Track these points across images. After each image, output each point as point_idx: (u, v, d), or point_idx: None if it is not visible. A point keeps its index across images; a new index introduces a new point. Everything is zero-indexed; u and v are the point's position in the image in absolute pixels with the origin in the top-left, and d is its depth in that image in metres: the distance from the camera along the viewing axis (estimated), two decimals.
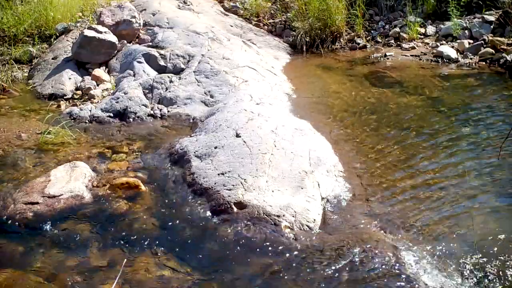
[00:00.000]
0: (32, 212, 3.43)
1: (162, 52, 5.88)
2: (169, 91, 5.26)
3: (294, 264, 2.96)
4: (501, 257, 2.95)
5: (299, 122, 4.48)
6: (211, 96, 5.13)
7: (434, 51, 6.30)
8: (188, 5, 7.43)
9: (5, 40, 6.47)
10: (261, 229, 3.20)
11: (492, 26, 6.43)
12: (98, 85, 5.63)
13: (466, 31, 6.49)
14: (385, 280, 2.81)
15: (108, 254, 3.10)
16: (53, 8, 6.77)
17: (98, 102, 5.28)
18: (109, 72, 5.88)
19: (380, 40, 6.89)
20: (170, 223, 3.36)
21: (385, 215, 3.41)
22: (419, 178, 3.82)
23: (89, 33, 5.87)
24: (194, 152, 4.04)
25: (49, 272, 2.97)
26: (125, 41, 6.24)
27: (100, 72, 5.79)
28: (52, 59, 6.12)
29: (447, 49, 6.22)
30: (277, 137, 4.09)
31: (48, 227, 3.33)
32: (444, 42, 6.52)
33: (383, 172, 3.91)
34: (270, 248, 3.07)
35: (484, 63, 5.91)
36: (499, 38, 6.12)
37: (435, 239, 3.17)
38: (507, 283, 2.78)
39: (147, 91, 5.30)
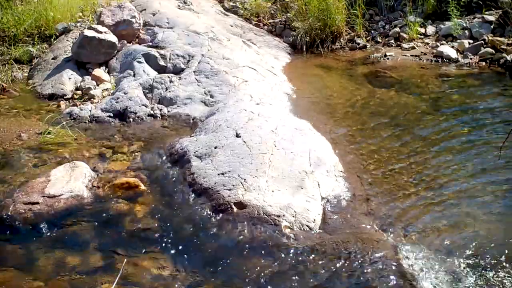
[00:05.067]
0: (32, 212, 3.42)
1: (162, 52, 5.88)
2: (169, 91, 5.25)
3: (294, 264, 2.96)
4: (502, 257, 2.96)
5: (299, 122, 4.48)
6: (211, 96, 5.12)
7: (434, 51, 6.30)
8: (188, 5, 7.43)
9: (5, 40, 6.47)
10: (261, 229, 3.20)
11: (492, 26, 6.43)
12: (98, 85, 5.63)
13: (466, 31, 6.49)
14: (385, 280, 2.81)
15: (108, 254, 3.10)
16: (53, 8, 6.77)
17: (98, 102, 5.27)
18: (109, 72, 5.88)
19: (380, 40, 6.89)
20: (170, 223, 3.36)
21: (385, 215, 3.41)
22: (419, 178, 3.82)
23: (89, 33, 5.87)
24: (194, 152, 4.04)
25: (49, 272, 2.97)
26: (125, 41, 6.24)
27: (100, 72, 5.79)
28: (52, 59, 6.11)
29: (447, 49, 6.22)
30: (277, 137, 4.09)
31: (48, 227, 3.33)
32: (444, 42, 6.51)
33: (383, 172, 3.91)
34: (270, 248, 3.07)
35: (484, 63, 5.91)
36: (499, 38, 6.12)
37: (435, 239, 3.17)
38: (507, 283, 2.78)
39: (147, 91, 5.30)
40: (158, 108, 5.06)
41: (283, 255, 3.03)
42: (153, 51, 5.85)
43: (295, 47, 6.86)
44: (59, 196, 3.57)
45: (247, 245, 3.11)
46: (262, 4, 7.66)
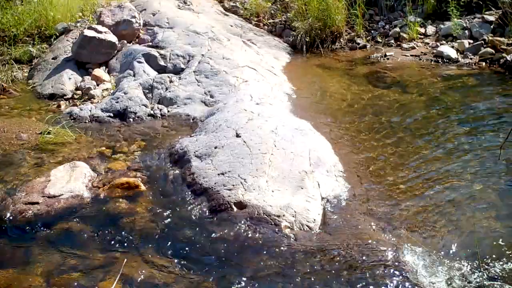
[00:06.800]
0: (32, 212, 3.43)
1: (162, 52, 5.88)
2: (169, 91, 5.26)
3: (294, 264, 2.96)
4: (502, 257, 2.95)
5: (299, 122, 4.48)
6: (211, 96, 5.13)
7: (434, 51, 6.30)
8: (188, 5, 7.43)
9: (5, 40, 6.47)
10: (261, 229, 3.20)
11: (492, 26, 6.43)
12: (98, 85, 5.63)
13: (466, 31, 6.49)
14: (385, 280, 2.81)
15: (108, 254, 3.10)
16: (53, 8, 6.77)
17: (98, 102, 5.28)
18: (109, 72, 5.88)
19: (380, 40, 6.89)
20: (170, 223, 3.36)
21: (385, 215, 3.41)
22: (419, 178, 3.82)
23: (89, 33, 5.87)
24: (194, 152, 4.04)
25: (49, 272, 2.97)
26: (125, 41, 6.24)
27: (100, 72, 5.80)
28: (52, 59, 6.12)
29: (447, 49, 6.22)
30: (277, 137, 4.09)
31: (48, 227, 3.33)
32: (444, 42, 6.52)
33: (383, 172, 3.91)
34: (270, 248, 3.07)
35: (484, 63, 5.91)
36: (499, 38, 6.12)
37: (435, 239, 3.17)
38: (507, 283, 2.78)
39: (147, 91, 5.30)
40: (158, 108, 5.06)
41: (283, 255, 3.02)
42: (153, 51, 5.86)
43: (295, 47, 6.86)
44: (59, 196, 3.57)
45: (247, 245, 3.11)
46: (262, 4, 7.66)
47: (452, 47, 6.31)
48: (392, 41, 6.78)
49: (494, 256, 2.97)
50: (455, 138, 4.34)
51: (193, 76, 5.46)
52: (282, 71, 6.04)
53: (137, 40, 6.40)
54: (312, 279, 2.86)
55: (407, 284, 2.78)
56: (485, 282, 2.78)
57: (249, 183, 3.55)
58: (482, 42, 6.17)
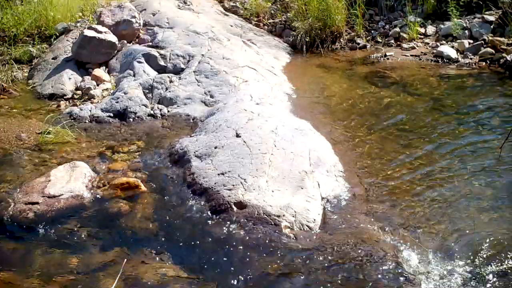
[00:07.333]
0: (32, 212, 3.43)
1: (162, 52, 5.88)
2: (169, 91, 5.26)
3: (294, 264, 2.96)
4: (502, 257, 2.96)
5: (299, 122, 4.48)
6: (211, 96, 5.13)
7: (434, 51, 6.30)
8: (188, 5, 7.43)
9: (5, 40, 6.47)
10: (261, 229, 3.20)
11: (492, 26, 6.43)
12: (98, 85, 5.63)
13: (466, 31, 6.49)
14: (385, 280, 2.81)
15: (108, 254, 3.10)
16: (53, 8, 6.77)
17: (98, 102, 5.28)
18: (109, 72, 5.88)
19: (380, 40, 6.89)
20: (170, 223, 3.36)
21: (385, 215, 3.41)
22: (419, 177, 3.82)
23: (89, 33, 5.87)
24: (194, 152, 4.04)
25: (49, 272, 2.97)
26: (125, 41, 6.24)
27: (100, 72, 5.80)
28: (52, 59, 6.12)
29: (447, 49, 6.22)
30: (277, 137, 4.09)
31: (48, 227, 3.33)
32: (444, 42, 6.52)
33: (383, 172, 3.91)
34: (270, 248, 3.07)
35: (484, 63, 5.91)
36: (499, 38, 6.12)
37: (435, 239, 3.17)
38: (507, 283, 2.79)
39: (147, 91, 5.30)
40: (158, 108, 5.06)
41: (283, 255, 3.03)
42: (153, 51, 5.86)
43: (295, 47, 6.86)
44: (59, 196, 3.57)
45: (247, 245, 3.11)
46: (262, 4, 7.66)
47: (452, 47, 6.31)
48: (392, 41, 6.78)
49: (494, 255, 2.97)
50: (455, 137, 4.34)
51: (193, 76, 5.46)
52: (282, 71, 6.04)
53: (137, 40, 6.40)
54: (312, 279, 2.86)
55: (406, 284, 2.78)
56: (485, 282, 2.78)
57: (249, 183, 3.55)
58: (482, 42, 6.17)
